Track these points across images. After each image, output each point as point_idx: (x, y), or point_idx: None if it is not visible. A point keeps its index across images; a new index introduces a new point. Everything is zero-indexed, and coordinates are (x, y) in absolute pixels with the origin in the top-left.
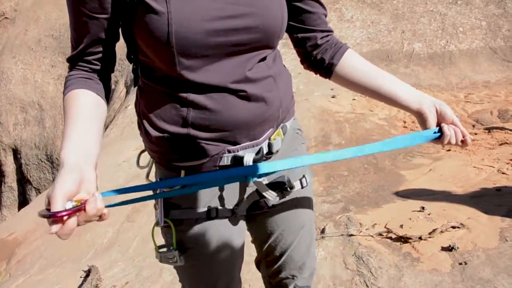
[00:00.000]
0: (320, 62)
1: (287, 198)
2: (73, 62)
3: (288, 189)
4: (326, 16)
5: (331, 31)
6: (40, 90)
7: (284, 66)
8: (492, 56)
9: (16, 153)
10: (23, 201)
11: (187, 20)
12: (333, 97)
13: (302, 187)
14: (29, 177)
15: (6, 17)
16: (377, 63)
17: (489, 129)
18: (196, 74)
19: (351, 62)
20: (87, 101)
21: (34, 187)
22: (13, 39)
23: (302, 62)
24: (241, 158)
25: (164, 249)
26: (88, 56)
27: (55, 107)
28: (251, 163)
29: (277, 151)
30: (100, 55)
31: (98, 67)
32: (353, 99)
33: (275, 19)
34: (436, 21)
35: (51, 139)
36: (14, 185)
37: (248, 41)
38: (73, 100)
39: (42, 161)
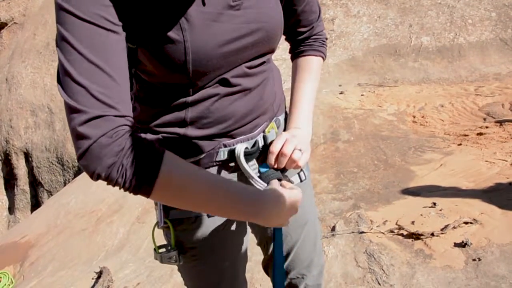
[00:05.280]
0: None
1: None
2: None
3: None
4: (316, 14)
5: (312, 28)
6: (49, 93)
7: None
8: (502, 47)
9: (27, 156)
10: (35, 204)
11: (203, 47)
12: (341, 93)
13: (301, 181)
14: (40, 179)
15: (15, 22)
16: (385, 58)
17: (500, 122)
18: (202, 87)
19: (294, 69)
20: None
21: (46, 190)
22: (22, 43)
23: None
24: None
25: (163, 249)
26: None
27: (64, 110)
28: (242, 154)
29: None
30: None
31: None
32: (362, 95)
33: (278, 26)
34: (444, 14)
35: (61, 141)
36: (27, 188)
37: (255, 53)
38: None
39: (53, 164)
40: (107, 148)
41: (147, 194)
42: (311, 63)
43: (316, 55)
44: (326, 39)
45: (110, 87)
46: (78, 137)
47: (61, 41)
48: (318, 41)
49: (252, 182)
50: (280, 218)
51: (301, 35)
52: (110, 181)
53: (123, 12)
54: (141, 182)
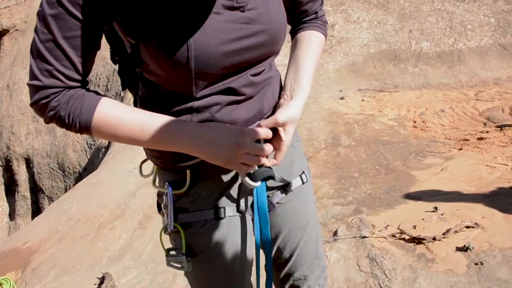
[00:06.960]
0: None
1: (290, 195)
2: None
3: (288, 185)
4: (319, 1)
5: (315, 13)
6: None
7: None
8: (502, 52)
9: (28, 162)
10: (36, 210)
11: (206, 45)
12: (341, 98)
13: (303, 183)
14: (41, 185)
15: (16, 29)
16: (385, 63)
17: (501, 127)
18: (206, 90)
19: (293, 43)
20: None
21: (47, 196)
22: (24, 50)
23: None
24: None
25: (174, 253)
26: (85, 75)
27: None
28: None
29: None
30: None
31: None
32: (362, 100)
33: (281, 29)
34: (443, 20)
35: (62, 147)
36: (27, 194)
37: (259, 56)
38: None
39: (54, 170)
40: (44, 105)
41: (89, 133)
42: (312, 36)
43: (317, 31)
44: (327, 22)
45: (64, 64)
46: (29, 92)
47: None
48: (319, 20)
49: (245, 183)
50: (220, 148)
51: (304, 18)
52: (58, 124)
53: (128, 5)
54: (80, 126)
